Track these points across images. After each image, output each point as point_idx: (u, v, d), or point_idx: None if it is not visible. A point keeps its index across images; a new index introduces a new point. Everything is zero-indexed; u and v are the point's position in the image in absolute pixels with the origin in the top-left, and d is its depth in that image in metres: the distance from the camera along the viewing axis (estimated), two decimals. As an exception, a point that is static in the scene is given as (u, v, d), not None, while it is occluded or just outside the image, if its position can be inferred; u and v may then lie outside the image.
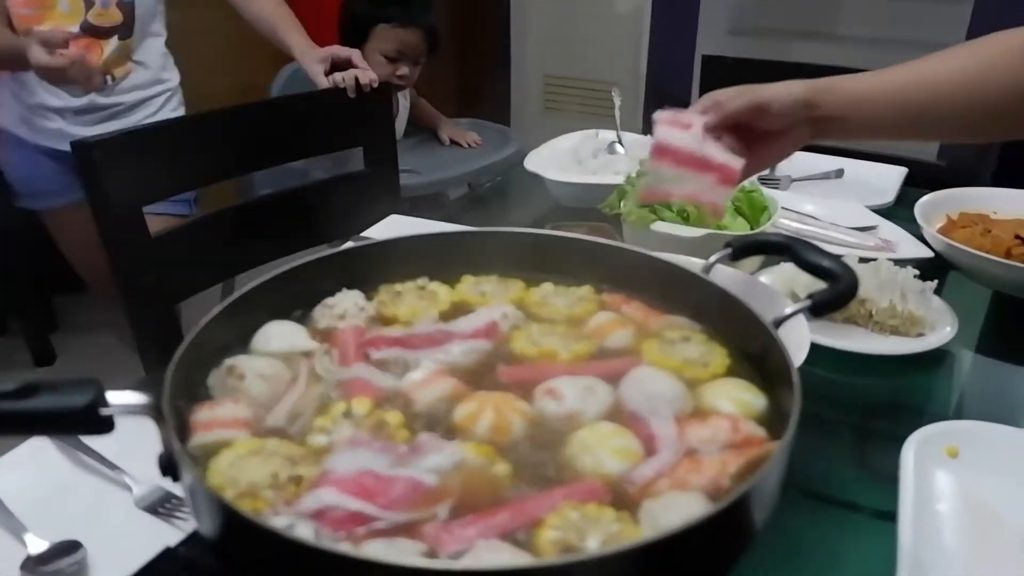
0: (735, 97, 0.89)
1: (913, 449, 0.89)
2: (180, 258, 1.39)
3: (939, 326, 1.18)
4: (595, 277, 0.82)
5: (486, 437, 0.60)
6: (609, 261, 0.80)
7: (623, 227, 1.39)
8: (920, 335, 1.17)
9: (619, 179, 1.51)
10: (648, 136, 1.76)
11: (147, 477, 0.85)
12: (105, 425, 0.54)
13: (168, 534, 0.78)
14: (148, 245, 1.33)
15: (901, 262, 1.32)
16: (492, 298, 0.79)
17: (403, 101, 2.50)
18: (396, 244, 0.81)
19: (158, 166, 1.39)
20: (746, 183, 1.44)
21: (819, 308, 0.66)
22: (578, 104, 4.25)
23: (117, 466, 0.86)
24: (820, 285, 1.23)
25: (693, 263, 0.76)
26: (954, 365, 1.17)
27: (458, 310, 0.79)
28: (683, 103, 3.50)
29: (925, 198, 1.47)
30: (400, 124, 2.49)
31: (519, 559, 0.48)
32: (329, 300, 0.77)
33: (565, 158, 1.70)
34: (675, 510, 0.52)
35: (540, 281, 0.83)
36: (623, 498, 0.56)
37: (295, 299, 0.77)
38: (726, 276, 1.04)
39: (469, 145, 2.37)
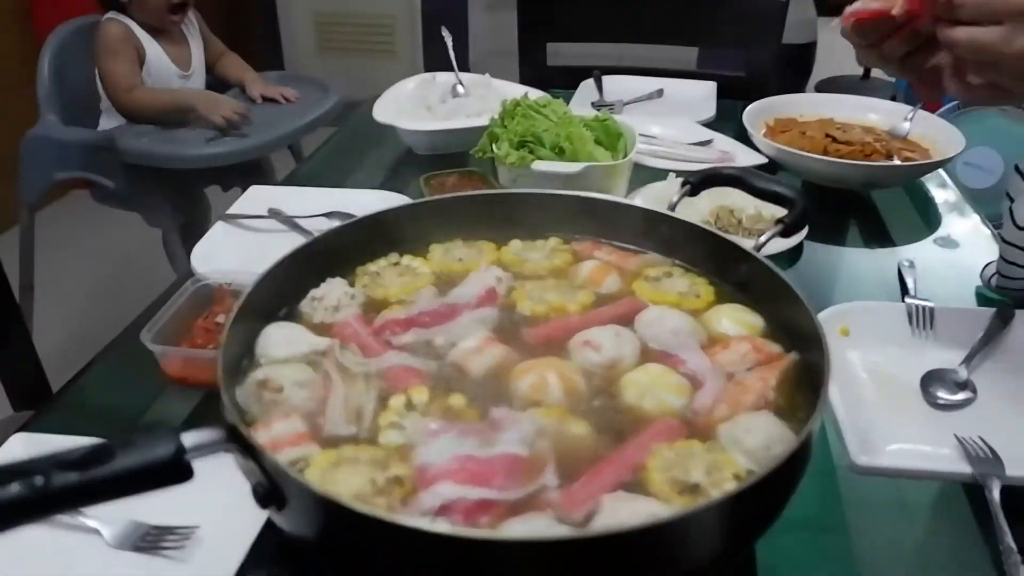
0: None
1: (820, 334, 1.03)
2: None
3: (793, 223, 1.34)
4: (561, 228, 0.84)
5: (558, 401, 0.62)
6: (574, 211, 0.83)
7: (499, 170, 1.41)
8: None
9: (480, 121, 1.53)
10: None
11: (111, 515, 0.78)
12: (188, 472, 0.50)
13: (169, 569, 0.73)
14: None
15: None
16: (471, 263, 0.80)
17: (192, 39, 2.28)
18: (367, 224, 0.78)
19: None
20: (599, 113, 1.52)
21: (788, 230, 0.75)
22: (356, 42, 4.11)
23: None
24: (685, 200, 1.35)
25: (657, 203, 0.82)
26: (809, 255, 1.34)
27: (444, 281, 0.79)
28: (462, 32, 3.54)
29: (750, 108, 1.63)
30: (197, 65, 2.28)
31: (658, 508, 0.52)
32: (315, 292, 0.74)
33: (410, 105, 1.68)
34: (754, 430, 0.58)
35: (505, 239, 0.84)
36: (695, 428, 0.61)
37: (276, 299, 0.73)
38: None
39: (287, 100, 2.24)
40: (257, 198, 1.42)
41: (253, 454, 0.51)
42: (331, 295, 0.73)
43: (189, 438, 0.50)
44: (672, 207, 0.80)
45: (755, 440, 0.57)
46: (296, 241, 1.26)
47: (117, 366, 1.09)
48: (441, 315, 0.72)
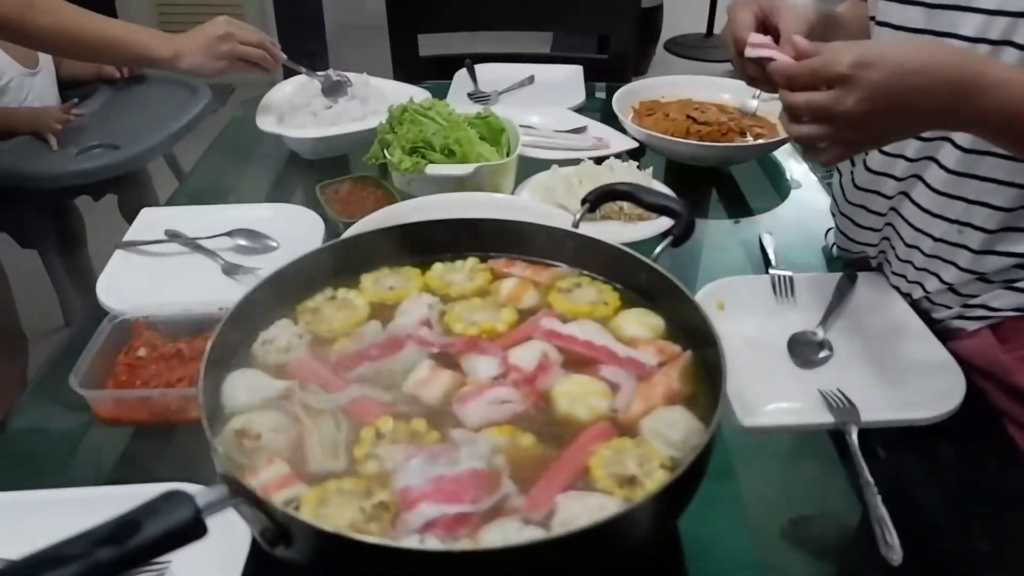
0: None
1: (701, 310, 1.17)
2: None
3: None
4: (476, 247, 0.93)
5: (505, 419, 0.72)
6: (488, 232, 0.92)
7: (392, 174, 1.48)
8: (657, 217, 1.46)
9: (365, 124, 1.58)
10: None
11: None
12: (204, 530, 0.57)
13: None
14: None
15: (619, 155, 1.60)
16: (402, 291, 0.88)
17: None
18: (307, 261, 0.85)
19: None
20: (481, 109, 1.61)
21: (677, 241, 0.87)
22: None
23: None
24: (559, 192, 1.46)
25: (564, 219, 0.92)
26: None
27: (379, 309, 0.86)
28: (316, 17, 3.50)
29: (618, 94, 1.76)
30: (45, 61, 2.15)
31: (605, 500, 0.64)
32: (265, 335, 0.80)
33: (292, 110, 1.69)
34: (675, 425, 0.70)
35: (427, 262, 0.93)
36: (622, 426, 0.73)
37: (232, 346, 0.79)
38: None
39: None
40: (151, 221, 1.42)
41: (259, 504, 0.58)
42: (281, 337, 0.79)
43: (201, 498, 0.57)
44: (575, 224, 0.90)
45: (677, 434, 0.69)
46: (200, 263, 1.31)
47: (41, 412, 1.10)
48: (388, 347, 0.79)
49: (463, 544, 0.59)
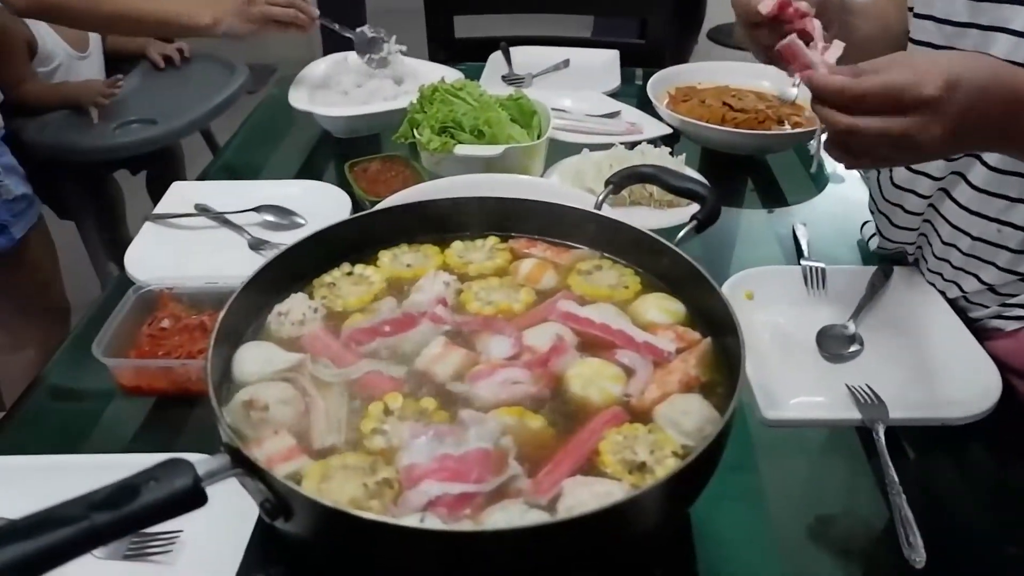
0: None
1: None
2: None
3: (698, 192, 1.45)
4: (496, 227, 0.92)
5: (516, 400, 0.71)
6: (508, 212, 0.91)
7: (421, 154, 1.47)
8: (687, 204, 1.43)
9: (397, 104, 1.57)
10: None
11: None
12: (204, 499, 0.56)
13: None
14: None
15: (652, 141, 1.57)
16: (419, 269, 0.87)
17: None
18: (324, 236, 0.84)
19: None
20: (513, 91, 1.59)
21: (701, 225, 0.84)
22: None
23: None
24: (589, 176, 1.44)
25: (586, 200, 0.90)
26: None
27: (394, 287, 0.85)
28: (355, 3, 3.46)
29: (653, 79, 1.73)
30: (95, 45, 2.20)
31: (613, 487, 0.62)
32: (280, 307, 0.79)
33: (325, 89, 1.69)
34: (690, 413, 0.68)
35: (446, 240, 0.91)
36: (635, 412, 0.71)
37: (245, 318, 0.78)
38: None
39: (181, 53, 2.18)
40: (181, 195, 1.43)
41: (260, 475, 0.57)
42: (295, 310, 0.79)
43: (202, 467, 0.56)
44: (598, 206, 0.88)
45: (691, 423, 0.68)
46: (227, 237, 1.31)
47: (65, 379, 1.11)
48: (402, 323, 0.78)
49: (464, 525, 0.58)
